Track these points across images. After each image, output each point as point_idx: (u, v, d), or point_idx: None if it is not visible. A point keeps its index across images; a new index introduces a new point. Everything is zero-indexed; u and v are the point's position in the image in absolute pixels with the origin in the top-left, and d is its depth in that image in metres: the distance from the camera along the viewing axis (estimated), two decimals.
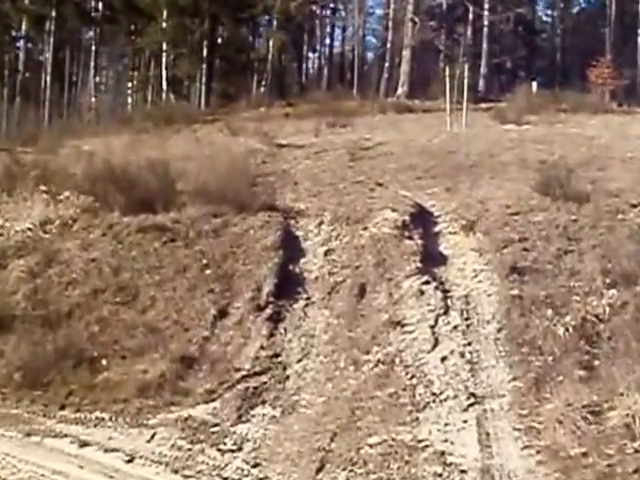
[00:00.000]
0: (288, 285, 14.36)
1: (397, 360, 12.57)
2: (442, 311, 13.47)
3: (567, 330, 12.83)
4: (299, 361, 12.98)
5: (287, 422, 11.72)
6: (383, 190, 17.73)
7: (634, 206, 15.11)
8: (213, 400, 12.24)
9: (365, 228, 15.51)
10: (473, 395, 11.80)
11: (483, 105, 31.51)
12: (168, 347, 13.19)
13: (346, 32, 50.00)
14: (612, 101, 32.09)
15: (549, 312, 13.13)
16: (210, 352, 13.18)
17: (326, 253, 15.04)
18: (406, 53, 36.27)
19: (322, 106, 30.39)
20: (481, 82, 35.99)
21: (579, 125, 25.20)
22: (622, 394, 10.89)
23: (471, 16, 38.15)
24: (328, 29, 50.54)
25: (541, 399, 11.58)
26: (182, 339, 13.43)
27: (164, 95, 42.41)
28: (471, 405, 11.61)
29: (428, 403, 11.75)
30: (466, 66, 26.99)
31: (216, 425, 11.69)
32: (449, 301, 13.72)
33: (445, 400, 11.75)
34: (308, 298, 14.09)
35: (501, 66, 43.89)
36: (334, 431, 11.30)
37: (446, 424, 11.24)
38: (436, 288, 13.91)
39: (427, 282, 14.05)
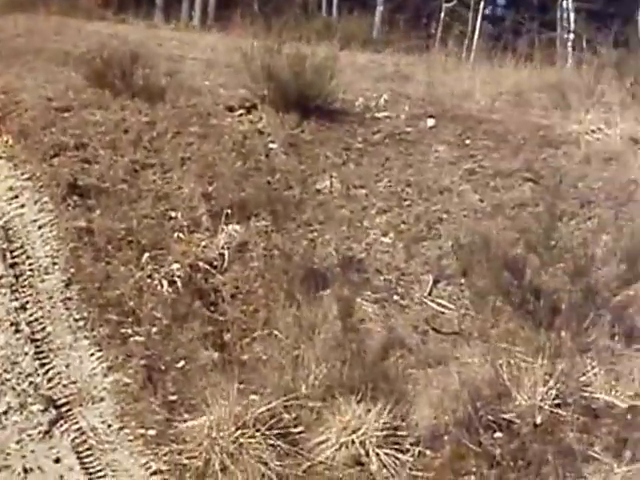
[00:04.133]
0: None
1: None
2: None
3: (172, 284, 7.92)
4: None
5: None
6: None
7: (230, 109, 10.41)
8: None
9: None
10: (52, 401, 6.51)
11: None
12: None
13: None
14: (106, 10, 26.91)
15: (141, 255, 8.11)
16: None
17: None
18: None
19: None
20: None
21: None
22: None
23: None
24: None
25: (169, 406, 6.67)
26: None
27: None
28: (55, 422, 6.30)
29: None
30: None
31: None
32: None
33: (6, 414, 6.36)
34: None
35: None
36: None
37: (27, 470, 5.85)
38: None
39: None
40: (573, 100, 11.16)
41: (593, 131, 10.56)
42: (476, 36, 19.36)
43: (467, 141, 10.32)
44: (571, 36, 19.11)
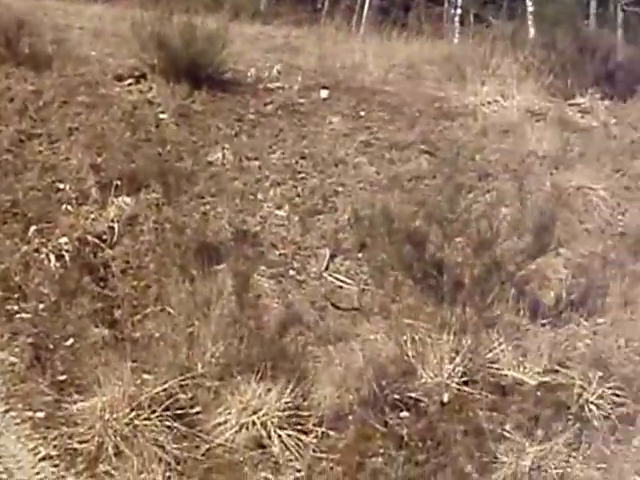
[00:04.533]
0: None
1: None
2: None
3: (60, 259, 7.45)
4: None
5: None
6: None
7: (119, 78, 9.90)
8: None
9: None
10: None
11: None
12: None
13: None
14: None
15: (27, 229, 7.63)
16: None
17: None
18: None
19: None
20: None
21: None
22: None
23: None
24: None
25: (59, 387, 6.25)
26: None
27: None
28: None
29: None
30: None
31: None
32: None
33: None
34: None
35: None
36: None
37: None
38: None
39: None
40: (468, 72, 11.03)
41: (489, 103, 10.42)
42: (365, 10, 19.18)
43: (362, 113, 10.06)
44: (458, 11, 19.13)
